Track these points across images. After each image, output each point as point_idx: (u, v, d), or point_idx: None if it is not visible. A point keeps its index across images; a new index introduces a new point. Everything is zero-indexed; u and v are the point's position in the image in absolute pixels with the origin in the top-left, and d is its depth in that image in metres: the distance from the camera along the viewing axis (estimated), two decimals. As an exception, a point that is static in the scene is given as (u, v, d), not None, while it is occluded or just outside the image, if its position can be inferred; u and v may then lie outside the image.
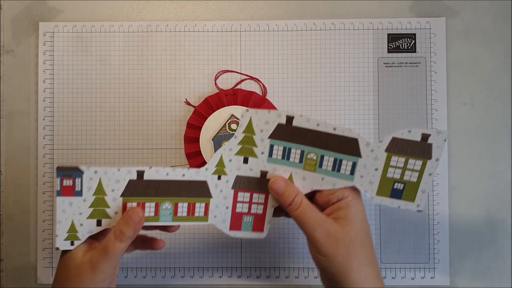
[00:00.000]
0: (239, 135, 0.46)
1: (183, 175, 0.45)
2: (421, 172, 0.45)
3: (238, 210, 0.48)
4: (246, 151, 0.47)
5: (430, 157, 0.44)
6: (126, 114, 0.57)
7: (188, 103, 0.57)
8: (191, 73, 0.57)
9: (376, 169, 0.45)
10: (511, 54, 0.56)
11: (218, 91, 0.57)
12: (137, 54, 0.57)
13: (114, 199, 0.44)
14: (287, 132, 0.46)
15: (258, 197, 0.47)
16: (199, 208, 0.46)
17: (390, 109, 0.56)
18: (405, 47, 0.56)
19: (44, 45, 0.57)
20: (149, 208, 0.45)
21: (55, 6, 0.58)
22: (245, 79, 0.57)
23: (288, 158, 0.46)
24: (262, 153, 0.46)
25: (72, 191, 0.44)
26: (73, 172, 0.43)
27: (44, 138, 0.57)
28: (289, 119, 0.45)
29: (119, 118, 0.57)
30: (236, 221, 0.48)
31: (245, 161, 0.47)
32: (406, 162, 0.45)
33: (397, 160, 0.45)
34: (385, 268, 0.56)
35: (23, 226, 0.57)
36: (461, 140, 0.57)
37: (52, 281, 0.43)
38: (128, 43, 0.57)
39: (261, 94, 0.56)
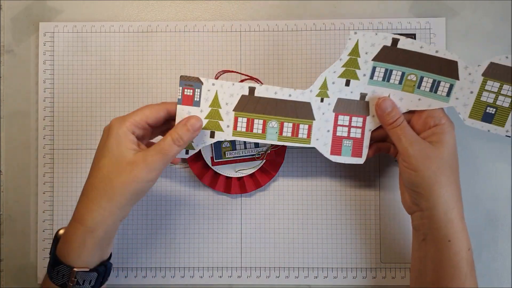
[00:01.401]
0: (344, 57, 0.48)
1: (290, 95, 0.48)
2: None
3: (338, 133, 0.50)
4: (349, 74, 0.49)
5: None
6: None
7: (188, 103, 0.57)
8: (191, 73, 0.57)
9: (471, 92, 0.48)
10: (511, 54, 0.56)
11: (218, 91, 0.56)
12: (137, 54, 0.57)
13: (227, 113, 0.48)
14: (391, 54, 0.48)
15: (356, 121, 0.50)
16: (303, 130, 0.49)
17: (390, 109, 0.56)
18: (405, 47, 0.56)
19: (44, 45, 0.57)
20: (257, 125, 0.49)
21: (55, 6, 0.58)
22: (245, 79, 0.57)
23: (388, 80, 0.49)
24: (364, 75, 0.49)
25: (191, 101, 0.47)
26: (194, 82, 0.47)
27: (44, 138, 0.57)
28: (395, 41, 0.48)
29: (119, 118, 0.57)
30: (336, 146, 0.50)
31: (347, 83, 0.49)
32: (500, 88, 0.48)
33: (492, 85, 0.47)
34: (385, 268, 0.56)
35: (23, 226, 0.57)
36: (461, 140, 0.56)
37: (91, 175, 0.44)
38: (128, 43, 0.57)
39: (261, 94, 0.56)
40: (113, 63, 0.57)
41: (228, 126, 0.48)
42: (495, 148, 0.56)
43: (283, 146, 0.55)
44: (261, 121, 0.48)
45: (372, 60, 0.48)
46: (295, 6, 0.57)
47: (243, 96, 0.48)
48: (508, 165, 0.57)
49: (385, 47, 0.48)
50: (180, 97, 0.47)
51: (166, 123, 0.48)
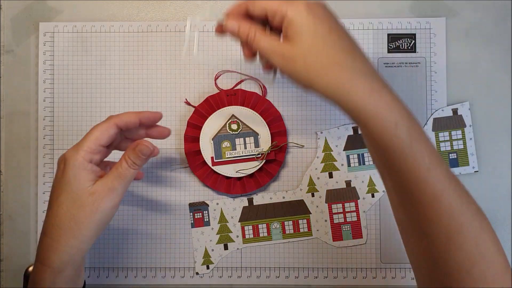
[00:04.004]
0: (320, 154, 0.55)
1: (283, 197, 0.55)
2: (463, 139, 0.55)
3: (335, 221, 0.55)
4: (329, 167, 0.55)
5: (464, 125, 0.55)
6: (126, 114, 0.57)
7: (188, 103, 0.57)
8: (191, 73, 0.57)
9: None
10: (511, 54, 0.56)
11: (218, 91, 0.57)
12: (137, 54, 0.57)
13: (234, 225, 0.55)
14: (356, 141, 0.55)
15: (349, 206, 0.55)
16: (303, 224, 0.55)
17: (390, 109, 0.56)
18: (405, 47, 0.57)
19: (44, 45, 0.57)
20: (262, 229, 0.55)
21: (55, 6, 0.58)
22: (245, 79, 0.57)
23: (364, 163, 0.55)
24: (342, 165, 0.55)
25: (202, 222, 0.55)
26: (201, 206, 0.55)
27: (44, 138, 0.57)
28: (355, 129, 0.55)
29: (119, 118, 0.57)
30: (336, 232, 0.55)
31: (330, 176, 0.55)
32: (450, 135, 0.55)
33: (443, 135, 0.55)
34: (385, 268, 0.56)
35: (23, 226, 0.57)
36: (461, 140, 0.57)
37: (51, 213, 0.43)
38: (128, 43, 0.57)
39: (261, 95, 0.56)
40: (113, 63, 0.57)
41: (237, 236, 0.55)
42: (495, 148, 0.56)
43: (283, 146, 0.55)
44: (264, 225, 0.55)
45: (344, 150, 0.55)
46: (295, 6, 0.57)
47: (244, 207, 0.55)
48: (508, 165, 0.57)
49: (349, 136, 0.55)
50: (192, 221, 0.55)
51: (120, 136, 0.47)
